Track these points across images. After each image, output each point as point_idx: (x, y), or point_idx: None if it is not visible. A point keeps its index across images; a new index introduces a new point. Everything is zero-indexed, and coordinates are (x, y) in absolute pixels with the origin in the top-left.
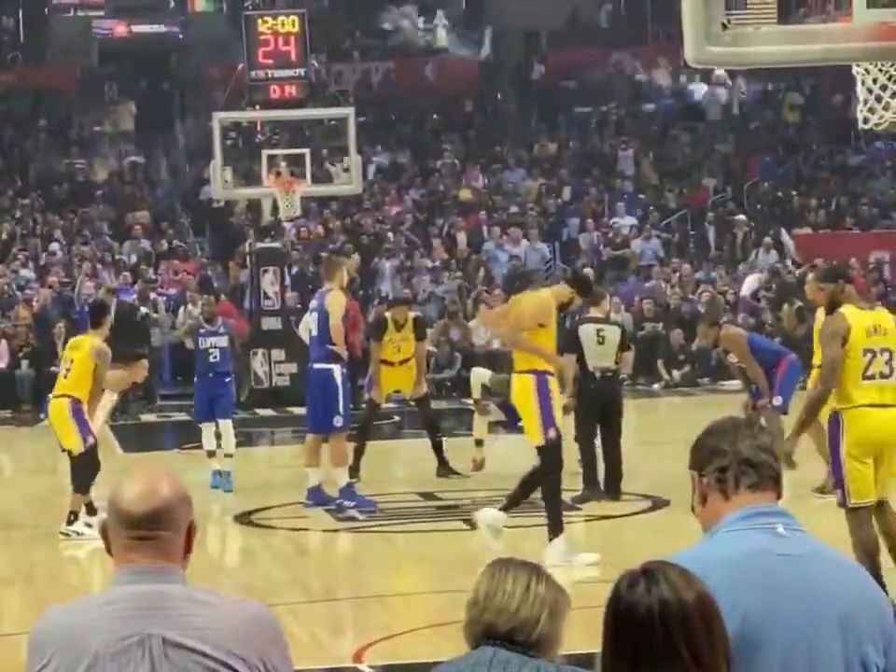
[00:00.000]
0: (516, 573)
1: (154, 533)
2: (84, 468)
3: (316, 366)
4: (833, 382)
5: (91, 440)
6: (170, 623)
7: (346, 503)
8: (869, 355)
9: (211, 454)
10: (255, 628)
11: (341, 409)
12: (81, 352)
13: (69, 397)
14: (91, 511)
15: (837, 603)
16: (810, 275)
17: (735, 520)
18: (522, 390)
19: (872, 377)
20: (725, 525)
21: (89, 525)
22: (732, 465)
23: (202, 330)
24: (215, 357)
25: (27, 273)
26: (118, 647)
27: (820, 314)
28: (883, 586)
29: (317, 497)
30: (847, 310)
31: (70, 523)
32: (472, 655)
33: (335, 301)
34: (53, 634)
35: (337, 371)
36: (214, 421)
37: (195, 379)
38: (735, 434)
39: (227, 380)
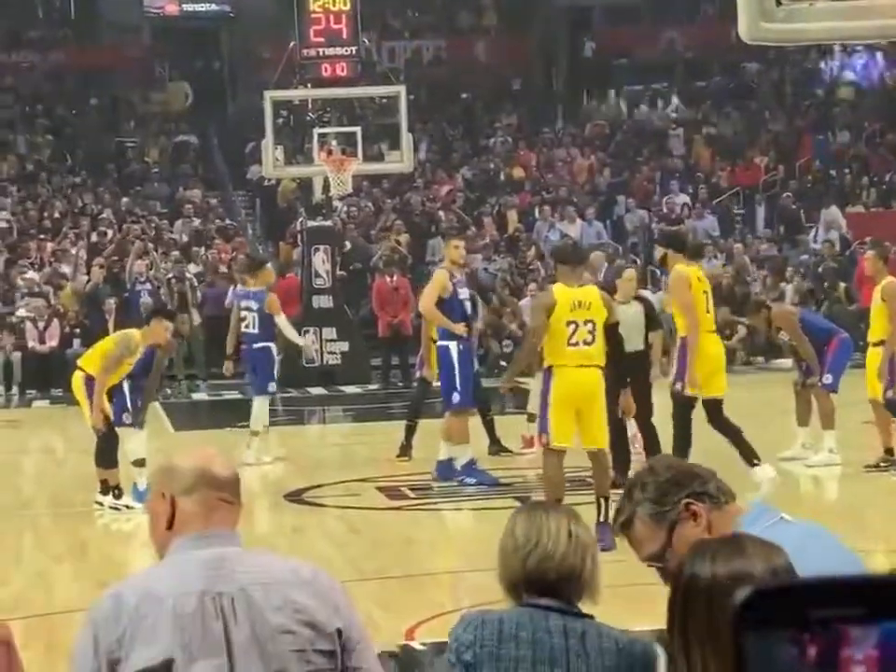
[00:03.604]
0: (557, 516)
1: (235, 498)
2: (100, 441)
3: (438, 343)
4: (532, 341)
5: (95, 417)
6: (239, 581)
7: (468, 480)
8: (572, 325)
9: (139, 462)
10: (324, 584)
11: (458, 385)
12: (114, 336)
13: (83, 370)
14: (106, 490)
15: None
16: (869, 252)
17: (753, 519)
18: None
19: (576, 344)
20: (748, 526)
21: (100, 504)
22: (710, 480)
23: None
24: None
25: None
26: (192, 606)
27: (877, 292)
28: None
29: (442, 470)
30: (556, 287)
31: (104, 493)
32: (523, 616)
33: (433, 278)
34: (126, 607)
35: (453, 347)
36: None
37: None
38: (672, 459)
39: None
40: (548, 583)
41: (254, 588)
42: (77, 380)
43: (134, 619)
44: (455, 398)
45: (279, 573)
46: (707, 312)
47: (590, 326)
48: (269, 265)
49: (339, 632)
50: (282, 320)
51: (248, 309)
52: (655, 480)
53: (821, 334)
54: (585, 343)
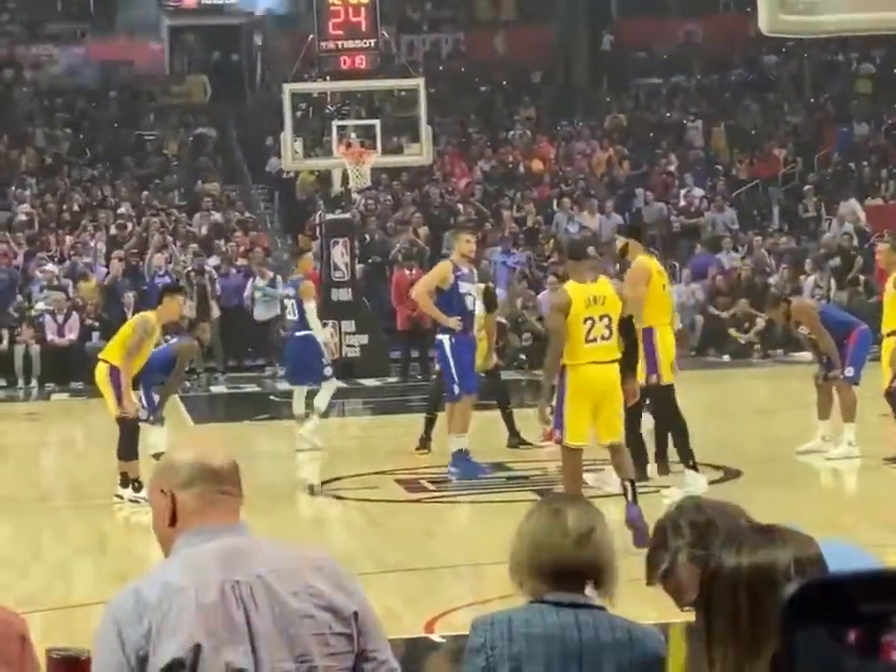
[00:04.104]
0: (573, 510)
1: (235, 489)
2: (122, 433)
3: (436, 336)
4: (557, 345)
5: (126, 405)
6: (256, 569)
7: (451, 469)
8: (589, 322)
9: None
10: (336, 570)
11: (455, 377)
12: (131, 321)
13: (106, 362)
14: (125, 483)
15: None
16: (883, 245)
17: None
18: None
19: (594, 340)
20: None
21: (120, 497)
22: (741, 515)
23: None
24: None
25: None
26: (213, 596)
27: (889, 282)
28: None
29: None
30: (569, 285)
31: (124, 486)
32: (533, 613)
33: (435, 267)
34: (147, 602)
35: (446, 340)
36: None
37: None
38: (698, 498)
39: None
40: (560, 576)
41: (270, 575)
42: (101, 371)
43: (158, 614)
44: (455, 390)
45: (293, 560)
46: (664, 304)
47: (606, 321)
48: (309, 254)
49: (355, 615)
50: (310, 307)
51: (288, 296)
52: (689, 522)
53: (841, 327)
54: (603, 338)
